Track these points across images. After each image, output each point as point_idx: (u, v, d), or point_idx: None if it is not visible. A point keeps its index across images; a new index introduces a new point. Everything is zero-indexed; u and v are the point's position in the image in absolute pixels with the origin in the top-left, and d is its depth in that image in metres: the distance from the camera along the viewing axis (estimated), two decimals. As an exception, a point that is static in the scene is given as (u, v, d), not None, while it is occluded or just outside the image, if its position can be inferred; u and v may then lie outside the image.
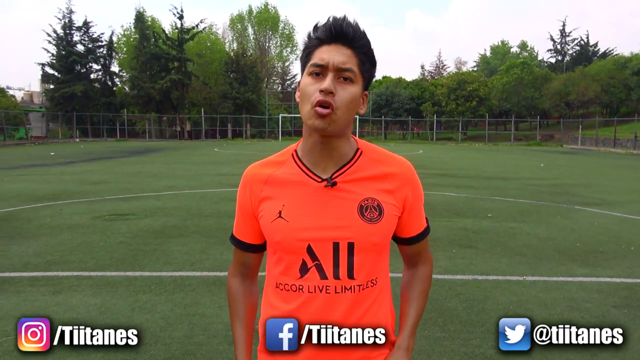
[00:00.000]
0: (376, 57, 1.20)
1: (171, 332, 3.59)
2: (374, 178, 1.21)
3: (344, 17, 1.14)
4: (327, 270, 1.16)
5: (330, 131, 1.13)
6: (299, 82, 1.22)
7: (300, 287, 1.17)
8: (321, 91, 1.10)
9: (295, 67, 68.04)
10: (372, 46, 1.18)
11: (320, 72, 1.12)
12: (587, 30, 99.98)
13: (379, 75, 60.30)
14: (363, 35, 1.14)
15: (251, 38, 64.71)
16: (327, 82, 1.10)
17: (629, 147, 37.92)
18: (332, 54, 1.11)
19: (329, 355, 1.17)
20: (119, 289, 4.52)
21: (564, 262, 5.61)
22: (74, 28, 49.59)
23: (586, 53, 62.12)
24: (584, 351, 3.37)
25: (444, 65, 73.96)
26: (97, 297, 4.31)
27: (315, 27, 1.16)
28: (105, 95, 50.34)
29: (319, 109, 1.10)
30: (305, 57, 1.16)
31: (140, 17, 50.17)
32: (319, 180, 1.19)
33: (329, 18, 1.14)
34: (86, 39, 50.38)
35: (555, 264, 5.53)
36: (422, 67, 75.44)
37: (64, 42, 48.81)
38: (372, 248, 1.18)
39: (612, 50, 61.27)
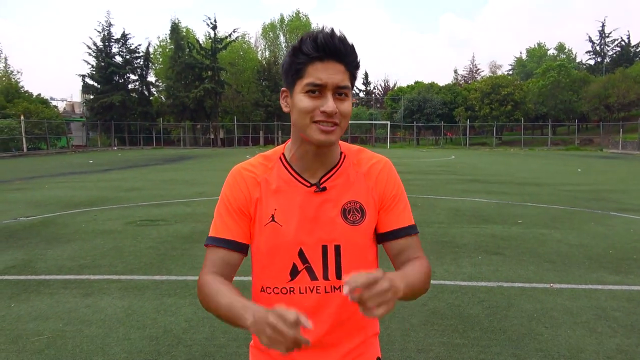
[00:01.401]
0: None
1: (193, 335, 3.69)
2: (356, 180, 1.26)
3: (333, 31, 1.14)
4: (317, 272, 1.20)
5: (333, 143, 1.19)
6: (283, 91, 1.25)
7: (291, 289, 1.21)
8: (323, 112, 1.13)
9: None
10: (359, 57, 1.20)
11: (317, 90, 1.14)
12: (628, 31, 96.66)
13: (411, 80, 59.61)
14: (353, 49, 1.16)
15: (283, 46, 65.44)
16: (331, 105, 1.13)
17: (673, 151, 36.35)
18: (329, 74, 1.12)
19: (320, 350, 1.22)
20: (145, 292, 4.65)
21: (595, 269, 5.45)
22: (112, 40, 51.44)
23: (627, 54, 60.06)
24: (608, 361, 3.27)
25: (478, 69, 72.95)
26: (124, 299, 4.46)
27: (303, 41, 1.14)
28: (142, 105, 51.86)
29: (325, 127, 1.14)
30: (295, 73, 1.16)
31: (175, 28, 51.54)
32: (308, 185, 1.23)
33: (317, 33, 1.14)
34: (124, 50, 52.14)
35: (585, 271, 5.38)
36: (455, 71, 74.60)
37: (103, 54, 50.64)
38: (358, 249, 1.22)
39: (655, 50, 59.01)
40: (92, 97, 50.86)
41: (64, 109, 57.45)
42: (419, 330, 3.78)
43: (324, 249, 1.19)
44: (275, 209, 1.22)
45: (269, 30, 65.65)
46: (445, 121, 53.06)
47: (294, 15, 64.56)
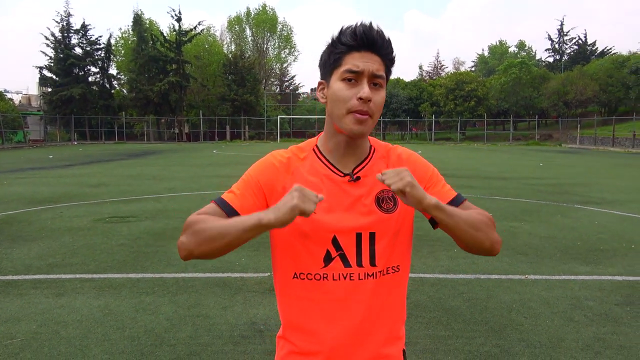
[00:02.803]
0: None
1: (176, 334, 3.60)
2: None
3: (371, 24, 1.20)
4: (351, 259, 1.21)
5: (365, 134, 1.22)
6: (320, 83, 1.28)
7: (325, 275, 1.22)
8: (360, 99, 1.16)
9: (294, 69, 67.98)
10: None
11: (354, 78, 1.18)
12: (585, 30, 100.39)
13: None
14: (389, 43, 1.22)
15: (249, 40, 64.78)
16: (367, 90, 1.16)
17: (627, 146, 37.99)
18: (366, 62, 1.17)
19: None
20: (122, 291, 4.52)
21: (566, 260, 5.63)
22: (71, 31, 49.66)
23: (584, 52, 62.28)
24: (587, 349, 3.39)
25: (442, 65, 74.14)
26: (100, 299, 4.31)
27: (342, 33, 1.20)
28: (103, 98, 50.34)
29: (359, 116, 1.17)
30: (334, 62, 1.21)
31: (138, 20, 50.17)
32: (342, 175, 1.25)
33: (356, 25, 1.19)
34: (84, 42, 50.42)
35: (557, 262, 5.55)
36: (420, 67, 75.18)
37: (61, 45, 48.84)
38: (391, 236, 1.25)
39: (610, 49, 61.46)
40: (50, 90, 48.97)
41: (20, 102, 55.21)
42: (403, 324, 3.80)
43: (358, 236, 1.22)
44: None
45: (235, 24, 64.74)
46: (411, 116, 53.76)
47: (261, 9, 63.84)
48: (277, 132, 51.19)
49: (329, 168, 1.26)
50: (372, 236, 1.22)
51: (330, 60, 1.21)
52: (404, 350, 1.34)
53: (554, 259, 5.69)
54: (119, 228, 7.23)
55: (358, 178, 1.25)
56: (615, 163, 22.80)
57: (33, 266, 5.30)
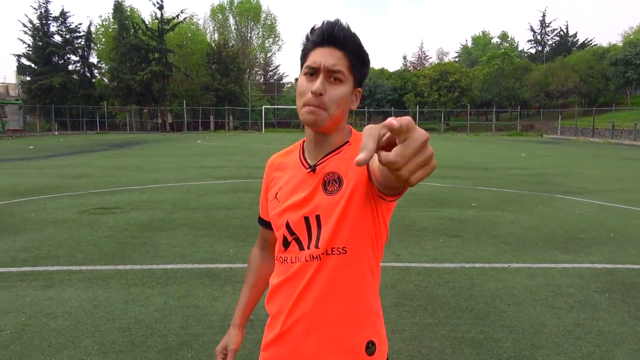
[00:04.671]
0: (369, 56, 1.30)
1: (166, 324, 3.62)
2: (349, 159, 1.28)
3: (337, 21, 1.24)
4: (304, 242, 1.28)
5: (320, 126, 1.25)
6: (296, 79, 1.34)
7: (285, 258, 1.32)
8: (312, 92, 1.21)
9: (278, 59, 67.52)
10: (364, 47, 1.28)
11: (312, 72, 1.23)
12: (567, 21, 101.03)
13: (361, 66, 59.82)
14: (353, 38, 1.24)
15: (232, 29, 64.14)
16: (317, 84, 1.21)
17: (606, 137, 38.69)
18: (324, 57, 1.22)
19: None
20: (110, 282, 4.52)
21: (547, 249, 5.77)
22: (50, 18, 48.58)
23: (565, 44, 62.98)
24: (568, 335, 3.51)
25: (426, 56, 74.37)
26: (89, 290, 4.31)
27: (312, 30, 1.27)
28: (84, 87, 49.52)
29: (311, 108, 1.22)
30: (302, 58, 1.28)
31: (119, 8, 49.29)
32: (307, 166, 1.32)
33: (323, 22, 1.25)
34: (63, 29, 49.40)
35: (539, 251, 5.69)
36: (404, 57, 75.67)
37: (40, 32, 47.78)
38: (337, 218, 1.24)
39: (591, 40, 62.26)
40: (29, 78, 47.96)
41: (-3, 90, 53.92)
42: (391, 312, 3.88)
43: (306, 220, 1.27)
44: (280, 187, 1.37)
45: (218, 12, 64.00)
46: (395, 107, 53.92)
47: (244, -3, 63.17)
48: (262, 123, 50.93)
49: (300, 160, 1.35)
50: (318, 219, 1.25)
51: (301, 55, 1.29)
52: (370, 342, 1.28)
53: (535, 247, 5.83)
54: (104, 219, 7.19)
55: (314, 169, 1.29)
56: (595, 153, 23.24)
57: (19, 258, 5.26)
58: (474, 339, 3.43)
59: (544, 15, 67.24)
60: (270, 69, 68.55)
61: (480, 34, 79.42)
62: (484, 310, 3.94)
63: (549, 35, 66.78)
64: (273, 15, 66.96)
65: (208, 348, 3.26)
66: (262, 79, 67.01)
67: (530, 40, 68.50)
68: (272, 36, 65.13)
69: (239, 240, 6.02)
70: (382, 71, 58.17)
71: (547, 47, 65.95)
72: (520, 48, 72.62)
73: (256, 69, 66.98)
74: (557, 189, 10.63)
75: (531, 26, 67.70)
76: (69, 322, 3.64)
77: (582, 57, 49.41)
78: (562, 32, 65.02)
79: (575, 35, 64.58)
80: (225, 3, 64.08)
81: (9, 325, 3.59)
